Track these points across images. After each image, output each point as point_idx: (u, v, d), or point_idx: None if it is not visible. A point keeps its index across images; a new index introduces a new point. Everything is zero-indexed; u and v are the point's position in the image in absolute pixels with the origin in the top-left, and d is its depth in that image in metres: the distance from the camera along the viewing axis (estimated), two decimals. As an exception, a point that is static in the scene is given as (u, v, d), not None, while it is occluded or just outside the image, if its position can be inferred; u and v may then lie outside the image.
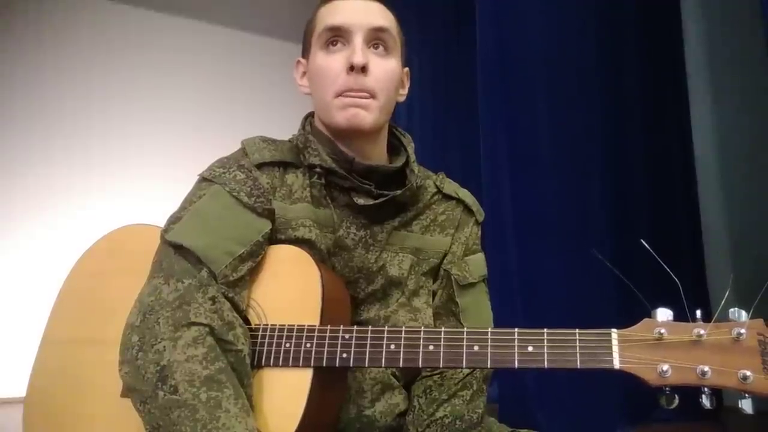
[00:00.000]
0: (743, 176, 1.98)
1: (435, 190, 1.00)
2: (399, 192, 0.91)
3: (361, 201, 0.90)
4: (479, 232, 1.03)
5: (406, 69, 1.00)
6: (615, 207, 2.22)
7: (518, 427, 0.92)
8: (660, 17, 2.33)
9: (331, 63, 0.89)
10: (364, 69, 0.87)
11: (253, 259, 0.84)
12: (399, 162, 0.96)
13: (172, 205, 0.90)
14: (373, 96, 0.88)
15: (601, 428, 1.96)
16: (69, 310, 0.99)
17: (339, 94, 0.88)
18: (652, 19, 2.36)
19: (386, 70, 0.90)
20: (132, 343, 0.76)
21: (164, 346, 0.73)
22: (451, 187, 1.01)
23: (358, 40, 0.88)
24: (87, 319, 0.96)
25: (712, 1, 2.07)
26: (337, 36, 0.90)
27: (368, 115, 0.88)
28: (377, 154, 0.95)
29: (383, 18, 0.91)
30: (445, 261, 0.97)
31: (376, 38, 0.90)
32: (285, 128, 1.11)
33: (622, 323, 0.71)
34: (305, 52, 0.97)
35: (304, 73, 0.98)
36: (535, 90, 2.23)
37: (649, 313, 0.70)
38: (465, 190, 1.03)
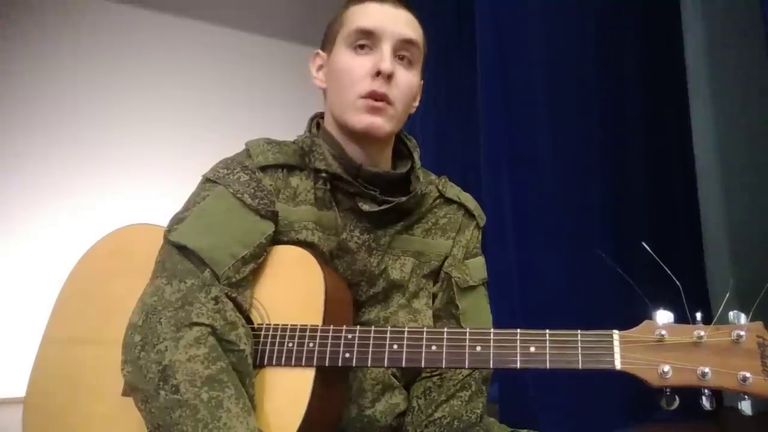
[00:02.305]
0: (743, 176, 1.98)
1: (437, 193, 1.00)
2: (404, 199, 0.91)
3: (366, 207, 0.90)
4: (480, 236, 1.03)
5: (421, 81, 1.00)
6: (615, 208, 2.22)
7: (518, 427, 0.92)
8: (660, 18, 2.33)
9: (357, 65, 0.89)
10: (390, 77, 0.87)
11: (256, 260, 0.84)
12: (404, 168, 0.96)
13: (174, 205, 0.89)
14: (392, 104, 0.89)
15: (602, 428, 1.97)
16: (70, 309, 0.99)
17: (362, 96, 0.88)
18: (652, 19, 2.36)
19: (408, 82, 0.91)
20: (134, 342, 0.76)
21: (166, 346, 0.73)
22: (453, 190, 1.02)
23: (387, 47, 0.89)
24: (88, 318, 0.96)
25: (712, 2, 2.07)
26: (366, 39, 0.90)
27: (384, 123, 0.88)
28: (384, 160, 0.96)
29: (412, 30, 0.92)
30: (445, 264, 0.97)
31: (403, 49, 0.90)
32: (287, 128, 1.11)
33: (622, 324, 0.71)
34: (326, 46, 0.97)
35: (321, 66, 0.98)
36: (535, 91, 2.22)
37: (649, 315, 0.71)
38: (467, 194, 1.03)
